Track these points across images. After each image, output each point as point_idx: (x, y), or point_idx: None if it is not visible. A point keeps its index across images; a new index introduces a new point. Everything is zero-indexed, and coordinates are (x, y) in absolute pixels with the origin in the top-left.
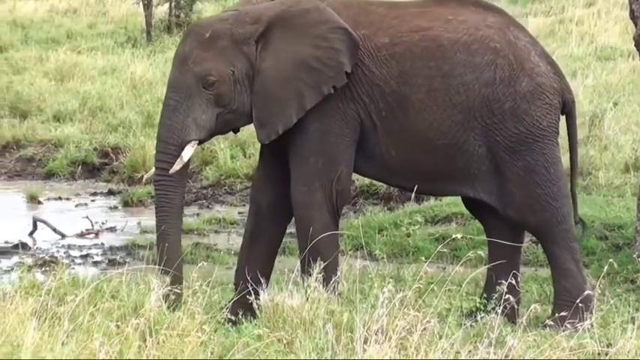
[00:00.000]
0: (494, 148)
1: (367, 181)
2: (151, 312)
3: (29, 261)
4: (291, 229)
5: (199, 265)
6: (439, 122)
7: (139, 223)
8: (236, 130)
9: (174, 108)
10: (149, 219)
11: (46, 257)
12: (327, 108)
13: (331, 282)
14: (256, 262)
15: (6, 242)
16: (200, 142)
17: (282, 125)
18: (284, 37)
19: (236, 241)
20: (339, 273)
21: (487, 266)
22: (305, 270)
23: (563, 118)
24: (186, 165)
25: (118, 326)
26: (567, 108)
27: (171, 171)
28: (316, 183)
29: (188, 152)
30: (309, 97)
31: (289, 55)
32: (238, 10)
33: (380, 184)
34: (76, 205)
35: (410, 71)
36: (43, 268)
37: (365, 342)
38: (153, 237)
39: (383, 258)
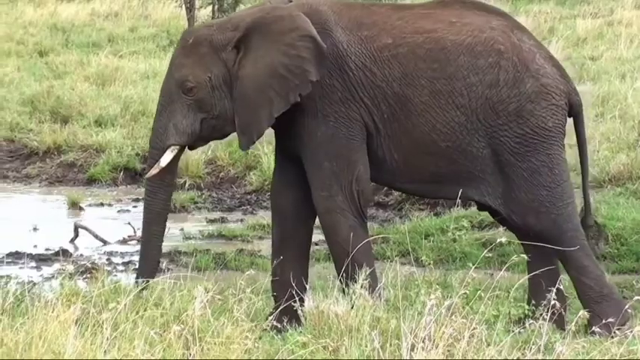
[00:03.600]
0: (499, 150)
1: None
2: (195, 319)
3: (70, 268)
4: None
5: (247, 273)
6: (442, 125)
7: (181, 230)
8: (225, 136)
9: (159, 113)
10: (192, 225)
11: (88, 264)
12: (331, 111)
13: (373, 287)
14: (292, 268)
15: (47, 249)
16: (191, 148)
17: (256, 133)
18: (260, 45)
19: None
20: (379, 277)
21: (529, 275)
22: (342, 276)
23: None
24: (168, 170)
25: (160, 334)
26: (575, 110)
27: (147, 175)
28: (335, 186)
29: (166, 157)
30: (277, 105)
31: (264, 63)
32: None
33: None
34: (118, 211)
35: (413, 73)
36: (85, 276)
37: (412, 349)
38: (196, 243)
39: (429, 264)
